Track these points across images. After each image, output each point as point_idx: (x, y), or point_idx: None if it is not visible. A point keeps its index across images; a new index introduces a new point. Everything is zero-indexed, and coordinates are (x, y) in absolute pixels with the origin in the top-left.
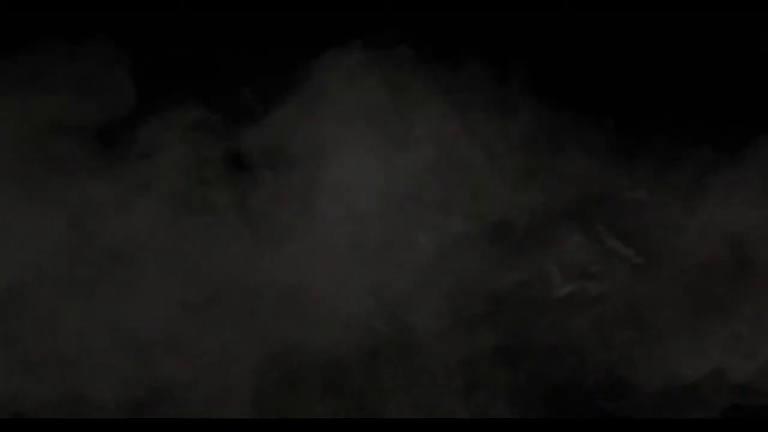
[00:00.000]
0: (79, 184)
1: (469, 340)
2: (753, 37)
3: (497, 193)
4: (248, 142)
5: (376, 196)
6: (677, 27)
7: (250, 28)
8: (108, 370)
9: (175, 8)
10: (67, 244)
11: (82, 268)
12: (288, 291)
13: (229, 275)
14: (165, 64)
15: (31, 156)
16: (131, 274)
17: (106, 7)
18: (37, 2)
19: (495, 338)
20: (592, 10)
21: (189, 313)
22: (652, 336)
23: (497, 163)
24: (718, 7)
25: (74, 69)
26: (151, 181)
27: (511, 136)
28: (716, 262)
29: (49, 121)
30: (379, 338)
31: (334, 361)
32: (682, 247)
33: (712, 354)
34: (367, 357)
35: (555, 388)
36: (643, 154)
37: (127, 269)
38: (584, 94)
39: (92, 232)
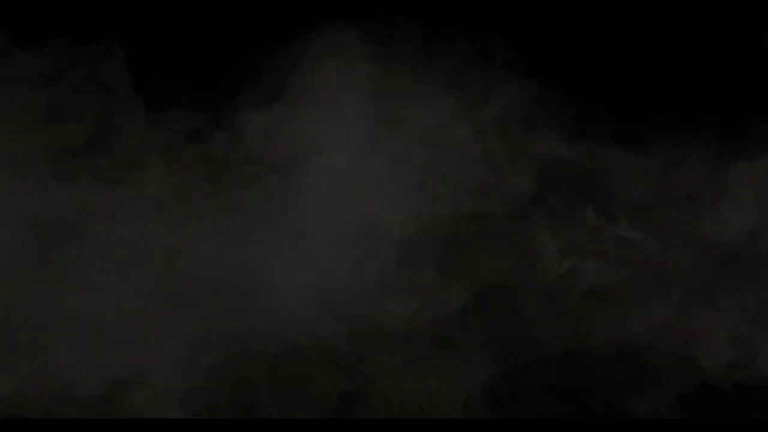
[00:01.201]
0: (66, 182)
1: (457, 325)
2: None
3: (489, 178)
4: (236, 137)
5: (363, 183)
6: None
7: (237, 23)
8: (75, 362)
9: (164, 8)
10: (46, 238)
11: (58, 262)
12: (270, 283)
13: (214, 270)
14: (154, 64)
15: (22, 152)
16: (108, 269)
17: (97, 7)
18: (36, 3)
19: (484, 323)
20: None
21: (165, 308)
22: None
23: (489, 147)
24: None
25: (72, 70)
26: (137, 179)
27: (504, 120)
28: (711, 248)
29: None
30: (364, 328)
31: (316, 351)
32: (676, 231)
33: (687, 338)
34: (350, 347)
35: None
36: (641, 138)
37: (104, 265)
38: (580, 80)
39: (74, 228)
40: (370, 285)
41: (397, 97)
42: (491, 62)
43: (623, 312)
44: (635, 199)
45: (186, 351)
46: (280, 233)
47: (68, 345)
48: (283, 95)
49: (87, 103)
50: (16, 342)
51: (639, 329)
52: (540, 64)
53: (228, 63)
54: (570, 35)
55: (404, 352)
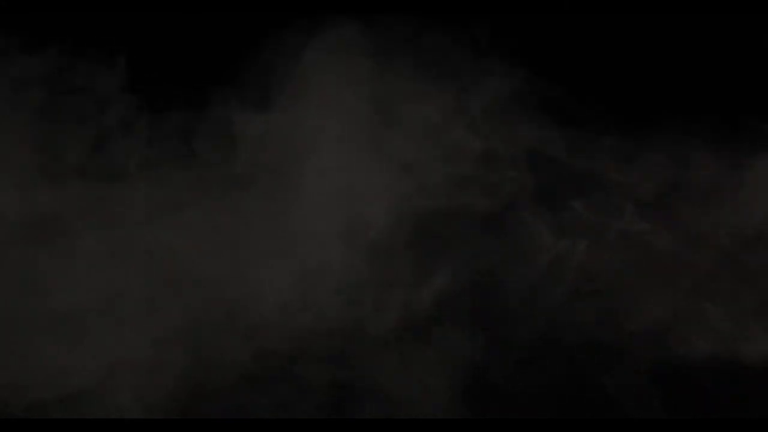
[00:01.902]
0: (61, 181)
1: (451, 322)
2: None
3: (486, 172)
4: (233, 137)
5: (357, 181)
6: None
7: (234, 22)
8: (59, 359)
9: (160, 8)
10: (42, 238)
11: (53, 262)
12: (262, 283)
13: (207, 270)
14: (151, 64)
15: (19, 151)
16: (100, 268)
17: (95, 9)
18: (36, 3)
19: (481, 321)
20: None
21: (155, 307)
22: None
23: (485, 141)
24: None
25: (70, 70)
26: (132, 179)
27: (503, 115)
28: (710, 246)
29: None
30: (358, 326)
31: (311, 350)
32: (675, 226)
33: (681, 331)
34: (342, 345)
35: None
36: (640, 134)
37: (95, 264)
38: (579, 77)
39: (69, 228)
40: (364, 283)
41: (392, 94)
42: (487, 56)
43: (617, 304)
44: (632, 194)
45: (174, 349)
46: (278, 233)
47: (54, 341)
48: (280, 95)
49: (84, 104)
50: (1, 338)
51: (634, 322)
52: (538, 58)
53: (223, 63)
54: (569, 31)
55: (398, 348)
